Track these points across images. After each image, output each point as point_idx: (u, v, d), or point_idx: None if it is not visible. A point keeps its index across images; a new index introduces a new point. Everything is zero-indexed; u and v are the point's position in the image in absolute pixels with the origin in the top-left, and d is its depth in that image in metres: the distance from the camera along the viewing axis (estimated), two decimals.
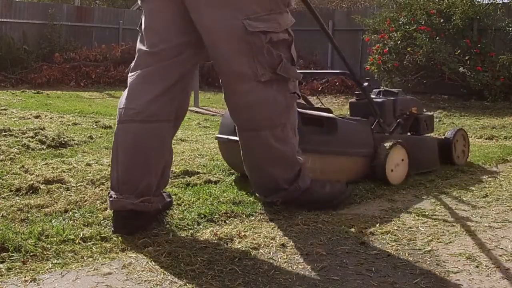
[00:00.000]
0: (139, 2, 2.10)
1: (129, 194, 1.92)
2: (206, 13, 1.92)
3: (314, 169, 2.39)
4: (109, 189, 2.01)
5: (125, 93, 2.02)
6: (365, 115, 2.83)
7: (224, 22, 1.93)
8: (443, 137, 3.36)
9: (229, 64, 2.02)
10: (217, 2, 1.92)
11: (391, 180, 2.70)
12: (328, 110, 2.70)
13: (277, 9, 2.02)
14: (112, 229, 1.91)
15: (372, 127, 2.77)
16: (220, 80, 2.13)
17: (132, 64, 2.05)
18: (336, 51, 2.84)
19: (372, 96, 3.01)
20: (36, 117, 4.97)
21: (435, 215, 2.25)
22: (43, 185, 2.43)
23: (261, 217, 2.15)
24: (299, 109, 2.35)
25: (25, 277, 1.50)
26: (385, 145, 2.68)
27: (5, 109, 5.44)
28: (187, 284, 1.50)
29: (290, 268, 1.64)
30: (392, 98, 3.05)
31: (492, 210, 2.34)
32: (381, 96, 3.09)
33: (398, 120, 2.91)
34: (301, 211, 2.21)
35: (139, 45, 2.05)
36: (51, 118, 4.97)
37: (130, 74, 2.04)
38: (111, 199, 1.94)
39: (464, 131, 3.43)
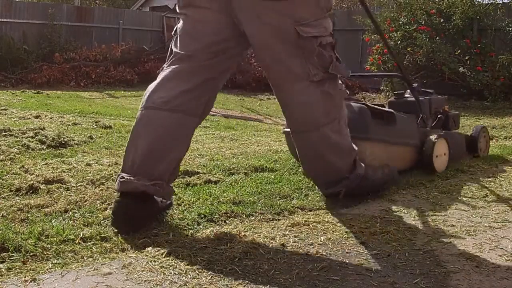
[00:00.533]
0: (179, 9, 2.18)
1: (143, 177, 1.97)
2: (260, 21, 2.05)
3: (377, 157, 2.71)
4: (120, 172, 2.03)
5: (154, 83, 2.11)
6: (404, 112, 3.12)
7: (278, 28, 2.08)
8: (469, 133, 3.76)
9: (282, 66, 2.17)
10: (271, 10, 2.05)
11: (436, 168, 3.06)
12: (383, 106, 3.11)
13: (322, 14, 2.18)
14: (114, 223, 1.92)
15: (417, 122, 3.17)
16: (271, 83, 2.30)
17: (164, 66, 2.15)
18: (390, 54, 3.26)
19: (407, 95, 3.43)
20: (36, 117, 4.97)
21: (435, 215, 2.25)
22: (43, 185, 2.43)
23: (261, 217, 2.15)
24: (368, 104, 2.79)
25: (25, 277, 1.50)
26: (431, 137, 3.07)
27: (5, 109, 5.43)
28: (187, 284, 1.50)
29: (290, 268, 1.64)
30: (428, 97, 3.40)
31: (492, 210, 2.34)
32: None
33: (439, 117, 3.42)
34: (360, 198, 2.38)
35: (173, 48, 2.15)
36: (51, 118, 4.96)
37: (161, 71, 2.14)
38: (122, 180, 1.96)
39: (486, 129, 3.87)
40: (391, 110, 2.96)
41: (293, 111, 2.29)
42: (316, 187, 2.52)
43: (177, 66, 2.10)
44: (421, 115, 3.22)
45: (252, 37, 2.10)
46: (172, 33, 2.21)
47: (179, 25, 2.18)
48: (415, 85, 3.28)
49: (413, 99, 3.29)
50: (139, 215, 1.95)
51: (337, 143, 2.31)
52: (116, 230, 1.91)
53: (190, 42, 2.10)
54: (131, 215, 1.93)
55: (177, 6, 2.18)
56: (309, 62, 2.15)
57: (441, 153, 3.11)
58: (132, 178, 1.96)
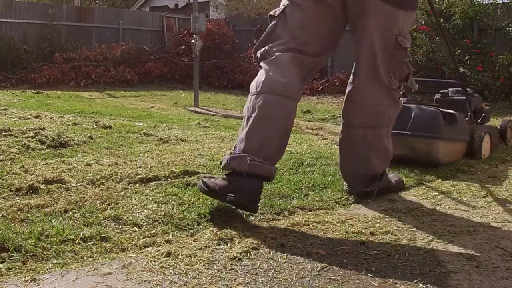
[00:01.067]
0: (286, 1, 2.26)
1: (270, 162, 2.07)
2: (375, 20, 2.23)
3: (445, 153, 3.23)
4: (241, 152, 2.08)
5: (270, 65, 2.19)
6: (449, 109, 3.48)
7: (385, 33, 2.26)
8: (498, 126, 4.33)
9: (372, 68, 2.32)
10: (387, 14, 2.22)
11: (483, 156, 3.60)
12: (440, 106, 3.59)
13: (408, 29, 2.36)
14: (239, 201, 2.00)
15: (467, 119, 3.65)
16: (353, 80, 2.45)
17: (274, 48, 2.23)
18: (450, 55, 3.89)
19: (450, 94, 4.01)
20: (36, 117, 4.97)
21: (435, 215, 2.25)
22: (43, 185, 2.43)
23: (261, 217, 2.15)
24: (440, 109, 3.29)
25: (25, 277, 1.50)
26: (479, 132, 3.57)
27: (5, 109, 5.43)
28: (187, 284, 1.50)
29: (290, 268, 1.64)
30: (470, 96, 3.86)
31: (492, 210, 2.34)
32: (459, 95, 3.97)
33: (483, 114, 3.94)
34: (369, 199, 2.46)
35: (282, 33, 2.23)
36: (51, 118, 4.96)
37: (272, 54, 2.22)
38: (252, 162, 2.01)
39: (511, 121, 4.43)
40: (452, 111, 3.33)
41: (366, 111, 2.42)
42: (344, 186, 2.57)
43: (292, 54, 2.20)
44: (469, 113, 3.72)
45: (362, 30, 2.25)
46: (277, 14, 2.26)
47: (289, 10, 2.23)
48: (469, 90, 3.89)
49: (457, 97, 3.89)
50: (258, 199, 2.04)
51: (385, 146, 2.49)
52: (237, 209, 2.07)
53: (302, 34, 2.22)
54: (256, 198, 2.02)
55: None
56: (392, 70, 2.34)
57: (486, 147, 3.66)
58: (264, 162, 2.04)
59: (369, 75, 2.36)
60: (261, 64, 2.26)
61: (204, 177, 2.19)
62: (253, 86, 2.19)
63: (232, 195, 2.00)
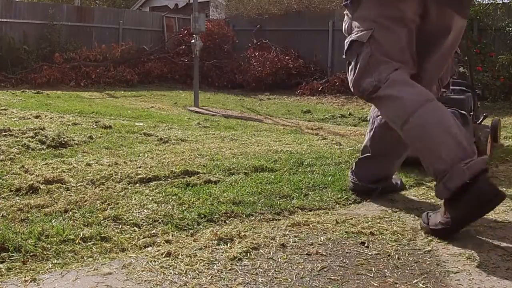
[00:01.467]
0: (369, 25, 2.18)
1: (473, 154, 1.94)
2: (451, 36, 2.21)
3: None
4: (464, 159, 1.89)
5: (406, 84, 2.11)
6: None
7: (455, 45, 2.27)
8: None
9: (432, 80, 2.33)
10: (458, 28, 2.21)
11: (488, 152, 3.65)
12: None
13: None
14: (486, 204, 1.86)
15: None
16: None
17: (376, 71, 2.13)
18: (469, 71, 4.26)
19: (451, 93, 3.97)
20: (36, 117, 4.97)
21: None
22: (43, 185, 2.43)
23: (261, 217, 2.15)
24: (459, 110, 3.30)
25: (25, 277, 1.50)
26: (483, 133, 3.66)
27: (5, 109, 5.43)
28: (187, 284, 1.50)
29: (290, 268, 1.64)
30: (469, 96, 3.88)
31: (492, 210, 2.34)
32: (460, 94, 3.94)
33: (484, 114, 4.06)
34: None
35: (379, 56, 2.13)
36: (51, 118, 4.97)
37: (384, 76, 2.11)
38: (472, 161, 1.87)
39: (501, 120, 4.51)
40: (464, 112, 3.37)
41: None
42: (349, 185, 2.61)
43: (402, 70, 2.14)
44: (472, 113, 3.74)
45: (440, 47, 2.23)
46: (365, 40, 2.15)
47: (379, 34, 2.13)
48: (478, 92, 4.07)
49: (456, 96, 3.82)
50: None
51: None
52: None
53: (401, 54, 2.17)
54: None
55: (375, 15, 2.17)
56: (441, 78, 2.37)
57: (489, 144, 3.75)
58: (477, 159, 1.90)
59: (426, 84, 2.25)
60: (380, 94, 2.11)
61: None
62: (397, 116, 2.06)
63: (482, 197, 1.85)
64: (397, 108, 2.06)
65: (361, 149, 2.62)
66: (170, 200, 2.29)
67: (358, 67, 2.16)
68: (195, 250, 1.73)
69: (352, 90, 2.26)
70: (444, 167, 1.91)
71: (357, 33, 2.19)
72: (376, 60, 2.12)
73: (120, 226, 1.97)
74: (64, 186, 2.46)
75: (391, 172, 2.62)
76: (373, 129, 2.50)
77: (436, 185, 1.97)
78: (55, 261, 1.64)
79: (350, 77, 2.23)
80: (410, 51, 2.20)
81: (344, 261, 1.71)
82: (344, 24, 2.34)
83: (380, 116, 2.42)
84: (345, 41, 2.26)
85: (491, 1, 8.92)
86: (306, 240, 1.88)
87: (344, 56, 2.27)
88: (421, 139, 2.00)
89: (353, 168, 2.59)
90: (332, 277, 1.58)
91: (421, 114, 1.99)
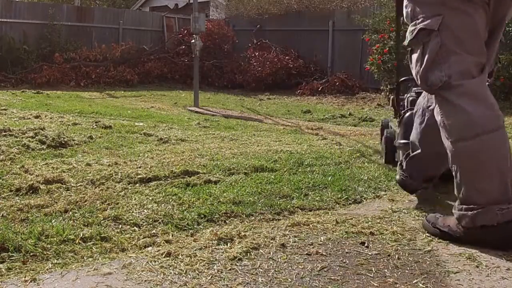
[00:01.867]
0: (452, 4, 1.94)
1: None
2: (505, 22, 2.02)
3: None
4: (497, 204, 1.82)
5: (477, 98, 1.91)
6: None
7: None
8: None
9: (491, 59, 2.06)
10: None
11: None
12: None
13: None
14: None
15: None
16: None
17: (446, 63, 1.92)
18: None
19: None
20: (36, 117, 4.97)
21: None
22: (43, 185, 2.43)
23: (261, 217, 2.15)
24: None
25: (25, 277, 1.50)
26: None
27: (5, 109, 5.44)
28: (187, 284, 1.50)
29: (290, 268, 1.64)
30: None
31: None
32: None
33: None
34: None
35: (451, 46, 1.92)
36: (51, 118, 4.97)
37: (456, 77, 1.91)
38: (509, 209, 1.80)
39: None
40: None
41: None
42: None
43: (481, 76, 1.93)
44: None
45: (498, 33, 2.03)
46: (436, 27, 1.91)
47: (450, 19, 1.90)
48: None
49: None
50: None
51: None
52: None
53: (479, 45, 1.94)
54: None
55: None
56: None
57: None
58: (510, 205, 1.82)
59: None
60: (450, 98, 1.92)
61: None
62: (457, 129, 1.89)
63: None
64: (462, 122, 1.89)
65: (410, 145, 2.44)
66: (170, 200, 2.29)
67: (426, 58, 1.94)
68: (195, 250, 1.73)
69: (418, 82, 2.03)
70: (478, 202, 1.85)
71: (424, 20, 1.94)
72: (446, 51, 1.91)
73: (120, 226, 1.97)
74: (64, 186, 2.46)
75: (441, 171, 2.43)
76: (424, 122, 2.29)
77: (459, 206, 1.91)
78: (55, 261, 1.64)
79: (415, 68, 2.00)
80: (484, 37, 1.96)
81: (344, 261, 1.71)
82: (405, 9, 2.05)
83: (432, 107, 2.16)
84: (409, 29, 2.00)
85: None
86: (306, 240, 1.88)
87: (405, 44, 2.04)
88: (470, 162, 1.88)
89: (403, 166, 2.45)
90: (332, 277, 1.58)
91: (486, 140, 1.85)
